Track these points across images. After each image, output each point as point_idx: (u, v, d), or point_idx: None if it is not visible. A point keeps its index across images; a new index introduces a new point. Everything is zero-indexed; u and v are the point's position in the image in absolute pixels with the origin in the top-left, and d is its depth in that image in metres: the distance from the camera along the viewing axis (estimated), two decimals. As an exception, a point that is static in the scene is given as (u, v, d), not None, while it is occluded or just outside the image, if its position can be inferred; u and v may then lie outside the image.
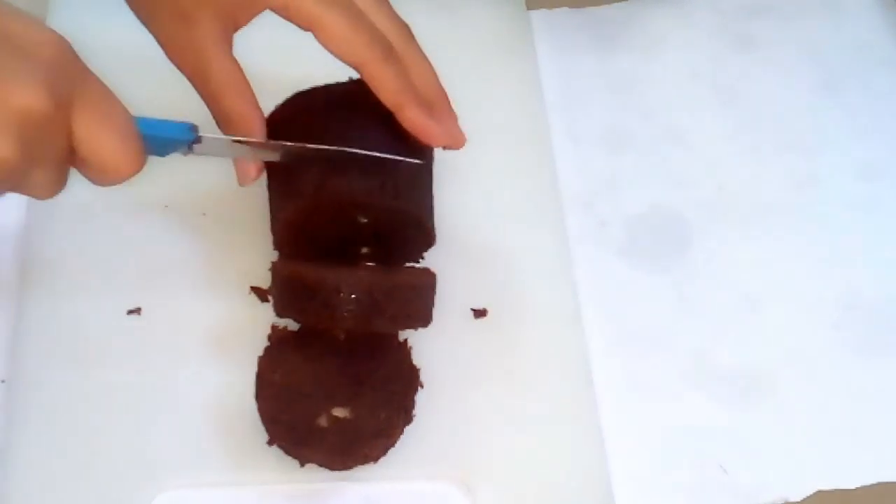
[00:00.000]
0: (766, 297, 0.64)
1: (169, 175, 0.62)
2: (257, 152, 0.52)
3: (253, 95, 0.51)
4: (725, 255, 0.65)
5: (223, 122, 0.51)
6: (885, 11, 0.77)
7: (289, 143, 0.51)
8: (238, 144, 0.51)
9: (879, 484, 0.58)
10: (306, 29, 0.51)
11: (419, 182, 0.55)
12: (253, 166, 0.52)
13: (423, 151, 0.56)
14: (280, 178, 0.55)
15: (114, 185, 0.45)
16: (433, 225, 0.56)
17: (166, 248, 0.60)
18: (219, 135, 0.51)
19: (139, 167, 0.45)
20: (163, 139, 0.48)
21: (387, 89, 0.51)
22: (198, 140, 0.49)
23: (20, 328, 0.57)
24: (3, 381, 0.56)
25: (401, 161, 0.53)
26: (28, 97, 0.39)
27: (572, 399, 0.58)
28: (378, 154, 0.52)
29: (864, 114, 0.72)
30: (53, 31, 0.41)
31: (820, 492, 0.57)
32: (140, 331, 0.58)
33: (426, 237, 0.57)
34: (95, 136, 0.43)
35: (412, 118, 0.52)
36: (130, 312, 0.58)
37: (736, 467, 0.58)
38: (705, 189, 0.68)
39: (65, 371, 0.56)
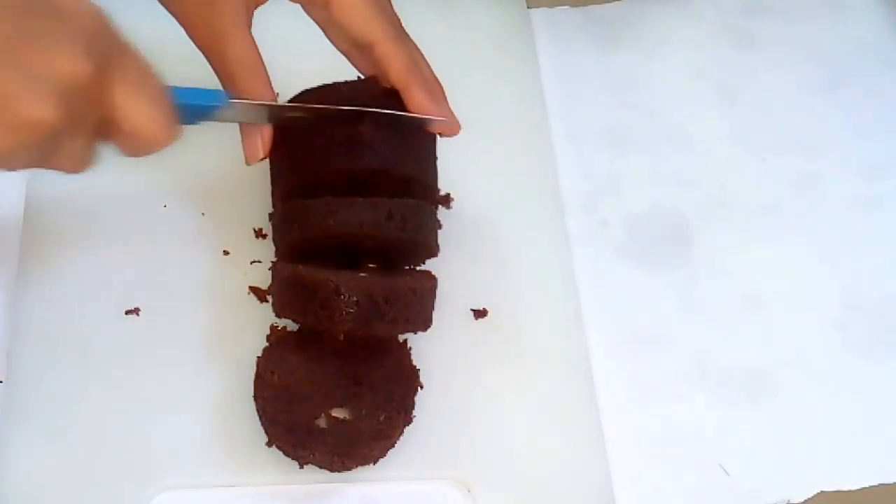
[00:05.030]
0: (767, 296, 0.64)
1: (169, 175, 0.62)
2: (278, 116, 0.53)
3: (267, 75, 0.52)
4: (727, 254, 0.65)
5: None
6: (888, 11, 0.77)
7: (311, 106, 0.52)
8: (262, 108, 0.52)
9: (881, 485, 0.58)
10: (323, 4, 0.52)
11: (424, 206, 0.55)
12: (260, 146, 0.53)
13: (429, 150, 0.56)
14: (284, 187, 0.55)
15: (146, 155, 0.46)
16: (437, 243, 0.57)
17: (165, 248, 0.60)
18: (246, 100, 0.52)
19: (174, 136, 0.46)
20: (194, 107, 0.49)
21: (397, 68, 0.52)
22: (228, 105, 0.50)
23: (18, 328, 0.57)
24: (0, 382, 0.56)
25: (406, 188, 0.54)
26: (70, 62, 0.40)
27: (572, 399, 0.58)
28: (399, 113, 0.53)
29: (866, 113, 0.72)
30: (92, 3, 0.42)
31: (822, 493, 0.57)
32: (138, 331, 0.57)
33: (430, 253, 0.57)
34: (133, 103, 0.43)
35: (419, 99, 0.53)
36: (129, 313, 0.58)
37: (737, 468, 0.57)
38: (706, 189, 0.68)
39: (63, 371, 0.56)
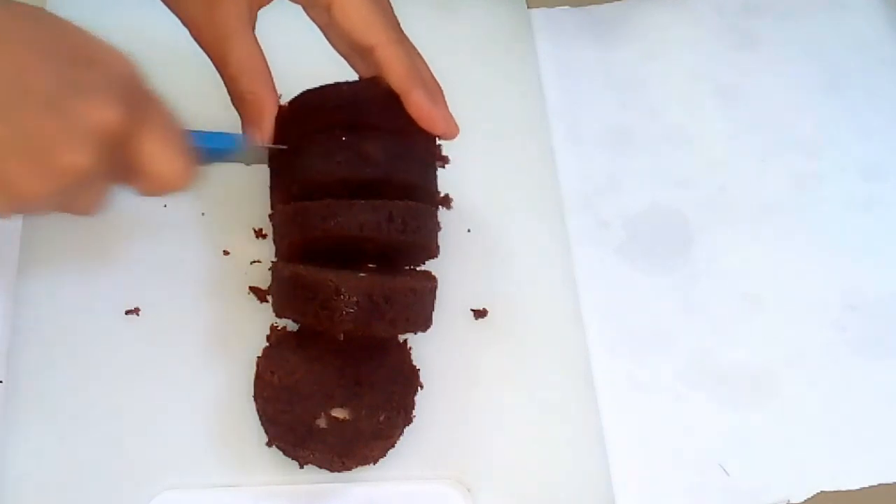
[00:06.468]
0: (767, 296, 0.64)
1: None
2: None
3: (269, 77, 0.53)
4: (726, 254, 0.65)
5: (237, 100, 0.53)
6: (888, 10, 0.77)
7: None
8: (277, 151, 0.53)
9: (882, 485, 0.58)
10: (324, 7, 0.52)
11: (424, 208, 0.55)
12: (259, 142, 0.53)
13: (429, 152, 0.56)
14: (284, 192, 0.55)
15: (163, 195, 0.48)
16: (437, 244, 0.57)
17: (165, 248, 0.60)
18: (260, 144, 0.53)
19: (194, 180, 0.47)
20: (211, 150, 0.51)
21: (397, 72, 0.53)
22: (244, 148, 0.52)
23: (18, 328, 0.57)
24: (0, 382, 0.56)
25: (407, 190, 0.54)
26: (105, 110, 0.42)
27: (572, 399, 0.58)
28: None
29: (866, 113, 0.72)
30: (123, 52, 0.44)
31: (822, 492, 0.57)
32: (138, 331, 0.57)
33: (429, 254, 0.57)
34: (158, 150, 0.45)
35: (419, 102, 0.53)
36: (129, 313, 0.58)
37: (737, 468, 0.57)
38: (706, 188, 0.68)
39: (63, 371, 0.56)
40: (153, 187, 0.47)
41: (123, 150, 0.44)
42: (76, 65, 0.42)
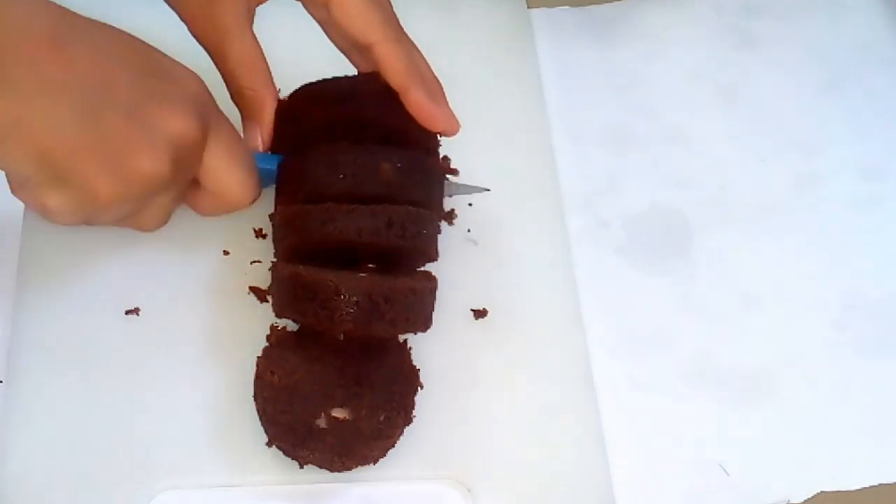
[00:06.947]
0: (767, 296, 0.64)
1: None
2: None
3: (268, 73, 0.54)
4: (726, 254, 0.65)
5: (237, 96, 0.53)
6: (887, 11, 0.77)
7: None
8: None
9: (882, 485, 0.58)
10: (322, 4, 0.53)
11: (423, 213, 0.55)
12: (260, 141, 0.54)
13: (428, 146, 0.56)
14: (290, 196, 0.55)
15: (221, 214, 0.50)
16: (437, 249, 0.56)
17: (165, 248, 0.60)
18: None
19: (256, 198, 0.49)
20: (270, 171, 0.53)
21: (396, 70, 0.53)
22: None
23: (18, 328, 0.57)
24: (0, 382, 0.56)
25: (406, 192, 0.54)
26: (182, 122, 0.44)
27: (572, 399, 0.58)
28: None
29: (865, 113, 0.72)
30: (192, 70, 0.46)
31: (822, 493, 0.57)
32: (138, 331, 0.57)
33: (428, 259, 0.57)
34: (225, 166, 0.47)
35: (418, 100, 0.53)
36: (129, 313, 0.58)
37: (737, 468, 0.57)
38: (706, 188, 0.68)
39: (63, 371, 0.56)
40: (215, 203, 0.48)
41: (195, 164, 0.45)
42: (154, 77, 0.44)
